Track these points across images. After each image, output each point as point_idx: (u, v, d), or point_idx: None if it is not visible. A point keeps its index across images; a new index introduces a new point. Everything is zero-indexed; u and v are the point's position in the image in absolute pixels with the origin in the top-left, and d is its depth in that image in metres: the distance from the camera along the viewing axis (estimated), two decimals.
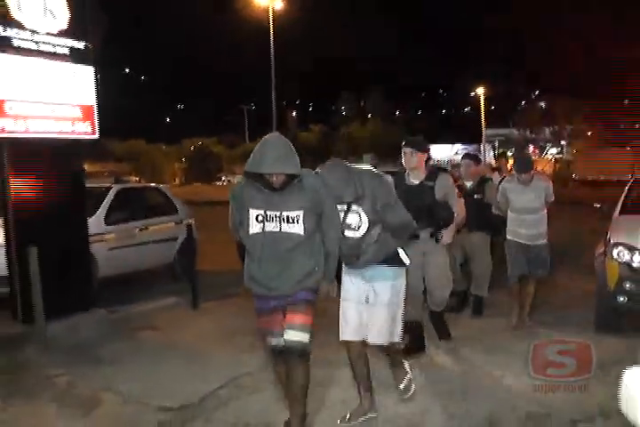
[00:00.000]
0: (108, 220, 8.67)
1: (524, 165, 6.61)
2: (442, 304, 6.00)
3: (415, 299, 5.56)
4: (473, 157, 7.64)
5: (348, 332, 4.33)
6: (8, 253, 6.74)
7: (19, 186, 6.55)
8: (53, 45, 6.67)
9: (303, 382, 3.94)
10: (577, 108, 42.89)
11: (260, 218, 3.86)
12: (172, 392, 4.94)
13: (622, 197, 7.49)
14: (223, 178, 58.86)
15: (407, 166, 5.72)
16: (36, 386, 5.23)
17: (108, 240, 8.50)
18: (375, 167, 4.43)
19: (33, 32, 6.47)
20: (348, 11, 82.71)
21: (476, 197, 7.06)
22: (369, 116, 62.56)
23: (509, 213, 6.67)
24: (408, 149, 5.66)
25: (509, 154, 44.79)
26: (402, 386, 4.59)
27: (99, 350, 6.13)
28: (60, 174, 6.89)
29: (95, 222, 8.12)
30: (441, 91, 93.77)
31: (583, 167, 46.08)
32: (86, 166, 7.53)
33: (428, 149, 5.91)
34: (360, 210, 4.17)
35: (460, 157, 11.83)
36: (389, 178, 4.79)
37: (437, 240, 5.66)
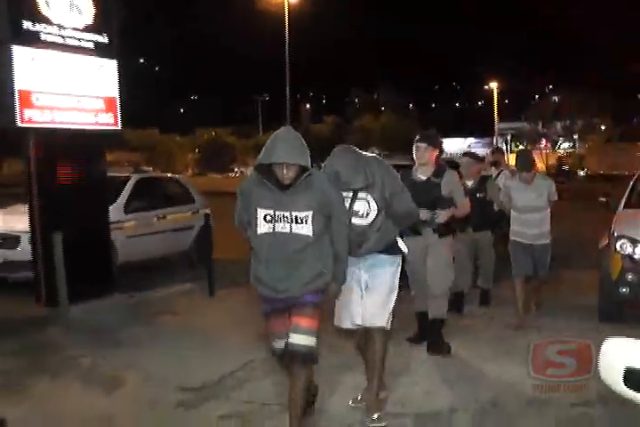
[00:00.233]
0: (128, 208, 8.95)
1: (526, 163, 6.56)
2: (442, 304, 5.69)
3: (421, 294, 5.67)
4: (473, 156, 7.55)
5: (346, 319, 4.34)
6: (33, 239, 7.01)
7: (43, 174, 6.82)
8: (79, 40, 6.94)
9: (303, 387, 3.88)
10: (589, 103, 42.86)
11: (268, 218, 3.79)
12: (190, 373, 5.18)
13: (627, 192, 7.65)
14: (236, 169, 59.06)
15: (418, 161, 5.65)
16: (60, 366, 5.48)
17: (126, 228, 8.78)
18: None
19: (60, 27, 6.73)
20: (364, 2, 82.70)
21: (478, 195, 7.00)
22: (382, 108, 62.52)
23: (512, 213, 6.64)
24: (422, 144, 5.58)
25: (515, 149, 44.94)
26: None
27: (119, 333, 6.38)
28: (83, 163, 7.18)
29: (115, 210, 8.37)
30: (454, 84, 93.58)
31: (595, 162, 45.89)
32: None
33: (441, 144, 5.81)
34: (369, 197, 4.16)
35: (473, 150, 11.89)
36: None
37: (441, 235, 5.61)
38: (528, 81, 57.05)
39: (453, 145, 54.64)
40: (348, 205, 4.13)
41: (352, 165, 4.13)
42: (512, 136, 57.44)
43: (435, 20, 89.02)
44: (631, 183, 7.85)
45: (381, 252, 4.29)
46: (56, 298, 6.70)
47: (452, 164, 7.38)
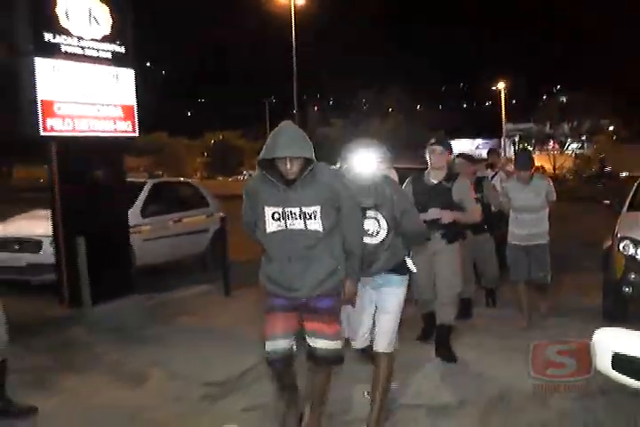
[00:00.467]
0: (144, 212, 9.22)
1: (525, 162, 6.63)
2: (450, 310, 5.69)
3: (426, 300, 5.73)
4: (467, 157, 7.40)
5: (356, 341, 4.33)
6: (56, 243, 7.28)
7: (65, 181, 7.09)
8: (97, 50, 7.20)
9: (326, 383, 3.94)
10: (596, 104, 42.83)
11: (276, 216, 3.72)
12: (212, 369, 5.41)
13: (631, 194, 7.80)
14: (244, 172, 59.31)
15: (434, 165, 5.56)
16: (87, 363, 5.74)
17: (143, 231, 9.03)
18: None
19: (79, 38, 6.99)
20: (371, 5, 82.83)
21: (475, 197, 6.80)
22: (389, 110, 62.56)
23: (511, 213, 6.68)
24: (439, 148, 5.52)
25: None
26: None
27: (141, 332, 6.63)
28: (103, 170, 7.44)
29: (132, 215, 8.60)
30: (462, 84, 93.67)
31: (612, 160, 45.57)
32: None
33: (452, 148, 5.76)
34: (379, 216, 4.09)
35: (481, 151, 11.92)
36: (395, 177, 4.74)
37: (450, 241, 5.57)
38: (536, 81, 57.18)
39: (461, 146, 54.78)
40: None
41: (364, 182, 4.07)
42: (520, 137, 57.50)
43: (442, 20, 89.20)
44: (635, 185, 7.99)
45: (390, 271, 4.21)
46: (79, 299, 6.96)
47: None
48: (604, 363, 1.87)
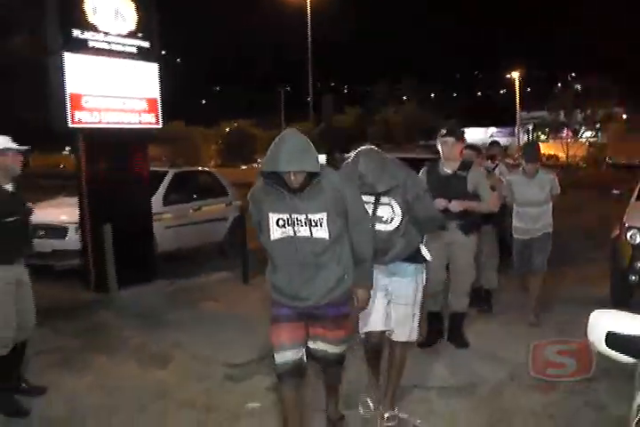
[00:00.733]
0: (166, 200, 9.51)
1: (533, 154, 6.55)
2: (464, 299, 5.82)
3: (435, 290, 5.56)
4: (476, 149, 7.22)
5: (370, 322, 4.20)
6: (82, 230, 7.59)
7: (92, 170, 7.39)
8: (123, 45, 7.48)
9: (339, 378, 4.02)
10: (609, 91, 42.60)
11: (280, 222, 3.58)
12: (233, 352, 5.68)
13: (639, 184, 7.94)
14: (259, 160, 59.54)
15: (447, 157, 5.50)
16: (114, 344, 6.05)
17: (165, 219, 9.32)
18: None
19: (106, 34, 7.28)
20: None
21: None
22: (404, 98, 62.56)
23: (514, 207, 6.63)
24: (450, 139, 5.42)
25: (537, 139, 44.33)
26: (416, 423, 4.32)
27: (164, 316, 6.93)
28: (128, 159, 7.75)
29: (154, 202, 8.87)
30: (476, 72, 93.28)
31: (615, 151, 45.45)
32: None
33: (464, 136, 5.66)
34: (392, 201, 4.00)
35: (495, 139, 11.79)
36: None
37: (466, 232, 5.55)
38: (551, 68, 56.98)
39: (475, 135, 54.77)
40: (371, 210, 3.98)
41: (377, 167, 4.00)
42: (534, 126, 57.40)
43: (456, 8, 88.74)
44: None
45: (405, 259, 4.14)
46: (105, 284, 7.29)
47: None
48: (598, 340, 2.13)
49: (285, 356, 3.66)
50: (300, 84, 42.80)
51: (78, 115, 7.05)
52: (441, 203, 5.17)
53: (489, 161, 8.46)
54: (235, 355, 5.60)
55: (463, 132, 5.68)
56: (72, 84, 6.98)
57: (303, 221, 3.56)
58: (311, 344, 3.74)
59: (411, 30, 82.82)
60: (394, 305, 4.18)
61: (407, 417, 4.32)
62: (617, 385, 4.66)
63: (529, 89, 63.04)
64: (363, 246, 3.73)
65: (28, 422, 4.48)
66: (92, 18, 7.09)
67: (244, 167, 53.29)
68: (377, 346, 4.31)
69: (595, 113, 49.18)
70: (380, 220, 4.01)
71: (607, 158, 45.40)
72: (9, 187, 4.59)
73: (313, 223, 3.55)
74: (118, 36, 7.41)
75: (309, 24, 33.81)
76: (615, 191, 8.40)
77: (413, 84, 59.65)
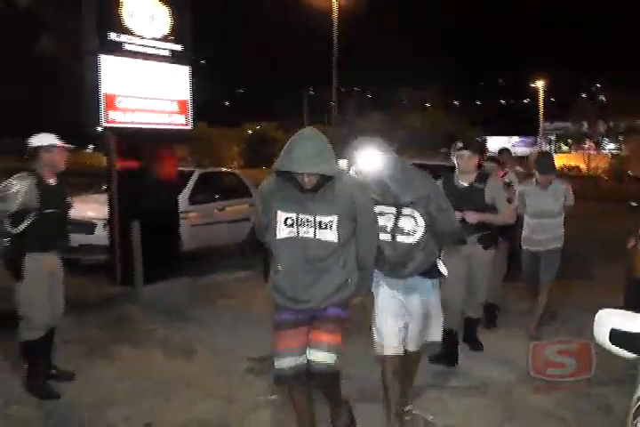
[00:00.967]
0: (192, 200, 9.77)
1: (548, 166, 6.40)
2: (479, 308, 5.90)
3: (454, 307, 5.39)
4: (497, 161, 7.20)
5: (389, 346, 4.10)
6: (111, 225, 7.84)
7: (123, 169, 7.65)
8: (156, 48, 7.75)
9: (338, 392, 3.83)
10: (631, 103, 42.35)
11: (289, 222, 3.52)
12: (253, 346, 5.83)
13: None
14: None
15: (463, 170, 5.43)
16: (139, 336, 6.29)
17: (190, 218, 9.57)
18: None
19: (140, 37, 7.54)
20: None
21: None
22: (428, 105, 62.52)
23: (525, 218, 6.49)
24: (467, 153, 5.34)
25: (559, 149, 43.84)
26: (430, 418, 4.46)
27: (187, 311, 7.15)
28: (157, 159, 8.01)
29: (181, 202, 9.13)
30: (501, 81, 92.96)
31: (637, 163, 45.03)
32: None
33: (482, 148, 5.72)
34: (415, 213, 3.90)
35: (516, 149, 11.83)
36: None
37: (485, 247, 5.51)
38: (576, 79, 56.71)
39: (497, 144, 54.67)
40: (392, 221, 3.92)
41: (402, 177, 3.91)
42: (557, 136, 57.14)
43: (483, 16, 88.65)
44: None
45: (421, 274, 4.06)
46: (131, 279, 7.54)
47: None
48: (603, 337, 2.31)
49: (285, 362, 3.63)
50: (323, 88, 42.99)
51: (112, 114, 7.31)
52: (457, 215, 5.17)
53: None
54: (255, 349, 5.74)
55: (485, 142, 5.74)
56: (106, 85, 7.24)
57: (311, 222, 3.50)
58: (309, 355, 3.60)
59: (437, 38, 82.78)
60: (411, 320, 4.11)
61: (420, 413, 4.49)
62: (625, 389, 4.80)
63: (553, 99, 62.81)
64: (366, 254, 3.70)
65: (59, 405, 4.72)
66: (127, 22, 7.36)
67: (265, 168, 53.59)
68: (395, 373, 4.17)
69: (617, 125, 48.90)
70: (401, 231, 3.92)
71: (629, 171, 45.09)
72: (52, 181, 4.88)
73: (322, 226, 3.49)
74: (152, 39, 7.68)
75: (335, 28, 33.98)
76: (633, 203, 8.42)
77: (438, 90, 59.54)
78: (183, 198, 9.47)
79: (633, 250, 7.17)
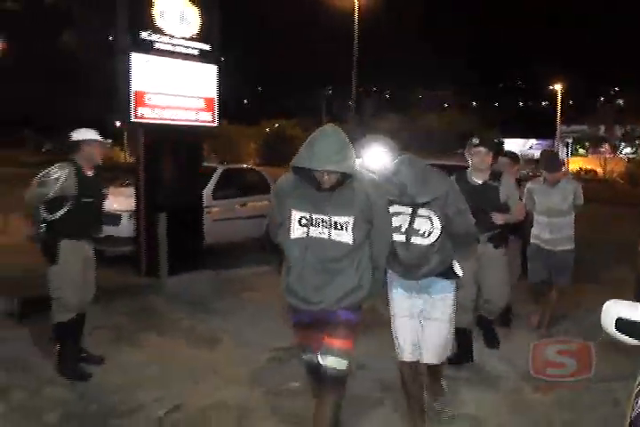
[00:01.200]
0: (215, 195, 10.02)
1: (553, 164, 6.36)
2: (496, 313, 5.87)
3: (465, 306, 5.29)
4: (512, 157, 7.07)
5: (406, 352, 4.06)
6: (137, 218, 8.09)
7: (150, 163, 7.89)
8: (186, 47, 7.98)
9: (332, 414, 3.53)
10: None
11: (303, 221, 3.44)
12: (275, 337, 6.03)
13: None
14: None
15: (478, 167, 5.35)
16: (164, 326, 6.51)
17: (213, 213, 9.81)
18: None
19: (171, 36, 7.77)
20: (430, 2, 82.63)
21: None
22: (446, 105, 62.51)
23: (535, 216, 6.44)
24: (483, 149, 5.27)
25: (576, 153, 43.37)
26: (437, 406, 4.47)
27: (210, 303, 7.37)
28: (184, 154, 8.25)
29: (204, 197, 9.38)
30: (519, 83, 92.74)
31: None
32: None
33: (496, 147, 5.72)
34: (432, 214, 3.80)
35: (534, 151, 11.83)
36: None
37: (496, 246, 5.45)
38: (595, 82, 56.47)
39: (514, 146, 54.64)
40: (407, 222, 3.82)
41: (420, 177, 3.82)
42: (574, 140, 56.87)
43: (503, 17, 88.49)
44: None
45: (438, 275, 3.99)
46: (155, 270, 7.78)
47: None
48: (609, 325, 2.48)
49: (313, 357, 3.64)
50: (342, 87, 43.13)
51: (141, 110, 7.56)
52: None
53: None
54: (277, 340, 5.93)
55: (502, 144, 5.78)
56: (137, 82, 7.49)
57: (327, 222, 3.42)
58: (321, 360, 3.53)
59: (457, 39, 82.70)
60: (426, 324, 4.04)
61: (436, 404, 4.60)
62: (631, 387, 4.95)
63: (571, 102, 62.60)
64: (379, 255, 3.63)
65: (90, 387, 4.95)
66: (158, 21, 7.60)
67: (282, 167, 53.81)
68: (415, 379, 4.14)
69: (634, 129, 48.62)
70: (416, 233, 3.82)
71: None
72: (90, 173, 5.15)
73: (338, 226, 3.41)
74: (182, 38, 7.91)
75: (356, 28, 34.15)
76: None
77: (454, 91, 59.55)
78: (207, 193, 9.72)
79: None
